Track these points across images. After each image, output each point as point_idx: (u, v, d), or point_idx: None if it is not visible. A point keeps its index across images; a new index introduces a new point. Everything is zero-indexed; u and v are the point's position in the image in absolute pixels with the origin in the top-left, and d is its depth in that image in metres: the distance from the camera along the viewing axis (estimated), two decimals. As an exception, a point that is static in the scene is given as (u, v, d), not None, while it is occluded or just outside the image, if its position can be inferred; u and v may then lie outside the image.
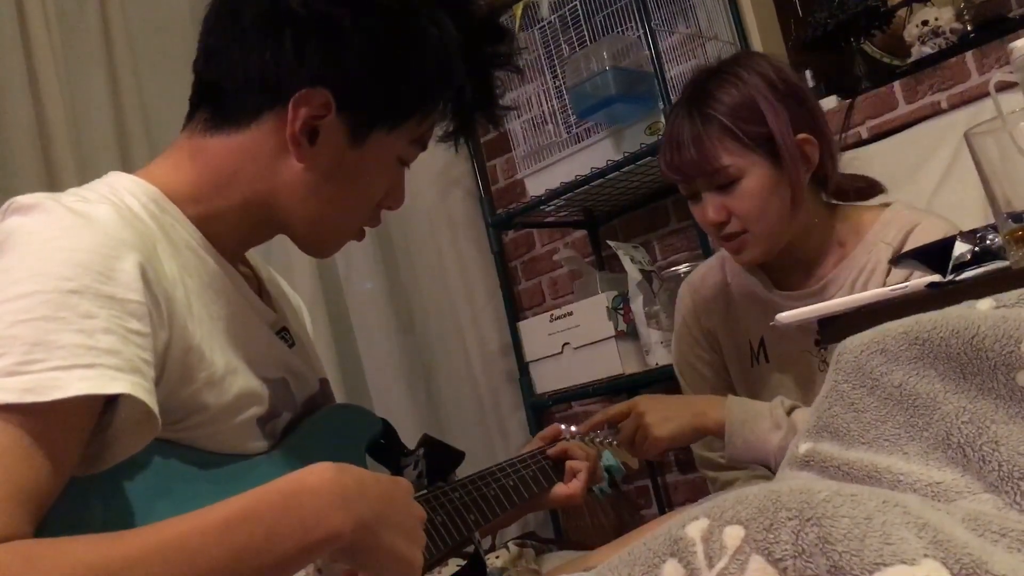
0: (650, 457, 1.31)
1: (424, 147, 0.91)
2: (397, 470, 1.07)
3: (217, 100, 0.86)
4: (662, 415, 1.26)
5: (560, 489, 1.24)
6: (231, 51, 0.84)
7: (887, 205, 1.34)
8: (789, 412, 1.22)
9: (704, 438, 1.33)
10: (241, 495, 0.66)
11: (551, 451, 1.26)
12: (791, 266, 1.35)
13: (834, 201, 1.36)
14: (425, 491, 1.05)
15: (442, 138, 0.95)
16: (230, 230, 0.86)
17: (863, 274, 1.28)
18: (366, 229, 0.95)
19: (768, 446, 1.20)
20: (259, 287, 0.96)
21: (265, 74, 0.82)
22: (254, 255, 1.00)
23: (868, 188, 1.39)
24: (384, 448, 1.05)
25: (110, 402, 0.69)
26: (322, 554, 0.68)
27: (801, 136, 1.26)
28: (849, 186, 1.37)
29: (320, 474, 0.69)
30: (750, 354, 1.40)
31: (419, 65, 0.83)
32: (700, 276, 1.50)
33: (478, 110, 0.95)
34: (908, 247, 1.22)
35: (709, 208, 1.27)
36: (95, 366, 0.65)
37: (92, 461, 0.70)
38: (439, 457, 1.09)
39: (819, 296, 1.31)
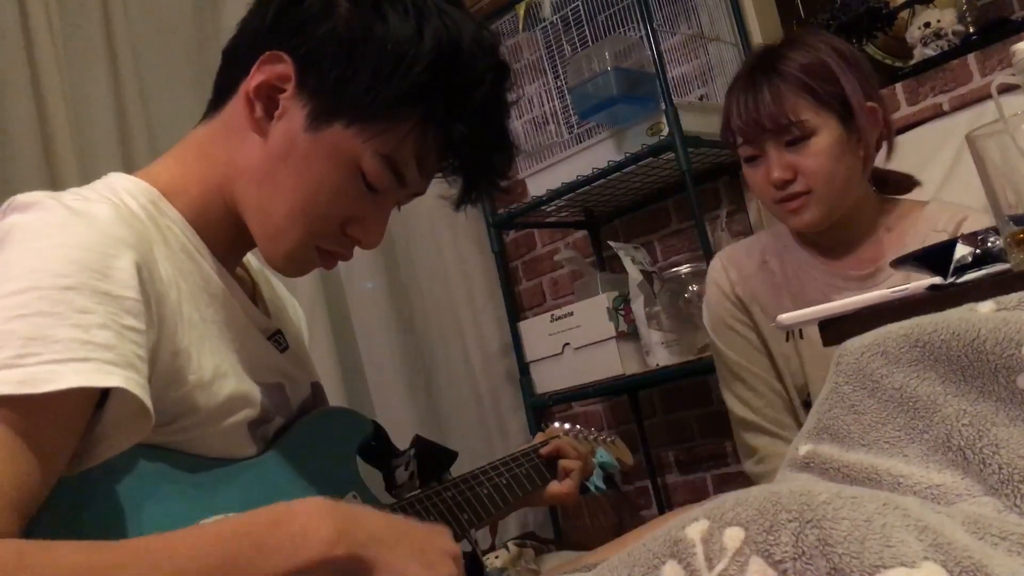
0: None
1: (398, 174, 0.87)
2: (388, 471, 1.07)
3: (214, 89, 0.89)
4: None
5: (554, 487, 1.24)
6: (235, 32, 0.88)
7: (924, 203, 1.34)
8: None
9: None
10: (233, 516, 0.66)
11: (543, 450, 1.26)
12: (839, 246, 1.35)
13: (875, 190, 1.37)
14: (417, 491, 1.05)
15: (456, 203, 0.96)
16: (218, 229, 0.86)
17: None
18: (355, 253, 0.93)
19: None
20: (253, 292, 0.96)
21: (243, 41, 0.86)
22: (252, 260, 1.00)
23: (906, 181, 1.40)
24: (375, 450, 1.05)
25: (102, 398, 0.69)
26: (316, 573, 0.66)
27: (869, 104, 1.28)
28: (890, 177, 1.39)
29: (310, 501, 0.68)
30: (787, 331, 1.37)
31: (379, 57, 0.81)
32: (737, 253, 1.46)
33: (484, 161, 0.92)
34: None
35: (776, 166, 1.27)
36: (90, 360, 0.65)
37: (79, 457, 0.70)
38: (431, 457, 1.09)
39: (875, 279, 1.31)
